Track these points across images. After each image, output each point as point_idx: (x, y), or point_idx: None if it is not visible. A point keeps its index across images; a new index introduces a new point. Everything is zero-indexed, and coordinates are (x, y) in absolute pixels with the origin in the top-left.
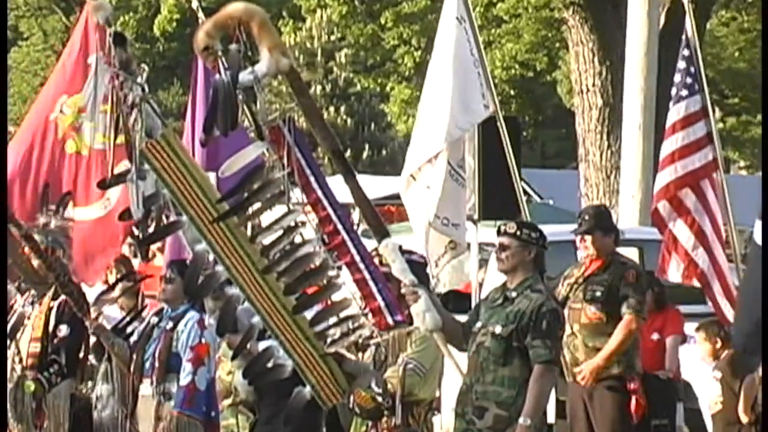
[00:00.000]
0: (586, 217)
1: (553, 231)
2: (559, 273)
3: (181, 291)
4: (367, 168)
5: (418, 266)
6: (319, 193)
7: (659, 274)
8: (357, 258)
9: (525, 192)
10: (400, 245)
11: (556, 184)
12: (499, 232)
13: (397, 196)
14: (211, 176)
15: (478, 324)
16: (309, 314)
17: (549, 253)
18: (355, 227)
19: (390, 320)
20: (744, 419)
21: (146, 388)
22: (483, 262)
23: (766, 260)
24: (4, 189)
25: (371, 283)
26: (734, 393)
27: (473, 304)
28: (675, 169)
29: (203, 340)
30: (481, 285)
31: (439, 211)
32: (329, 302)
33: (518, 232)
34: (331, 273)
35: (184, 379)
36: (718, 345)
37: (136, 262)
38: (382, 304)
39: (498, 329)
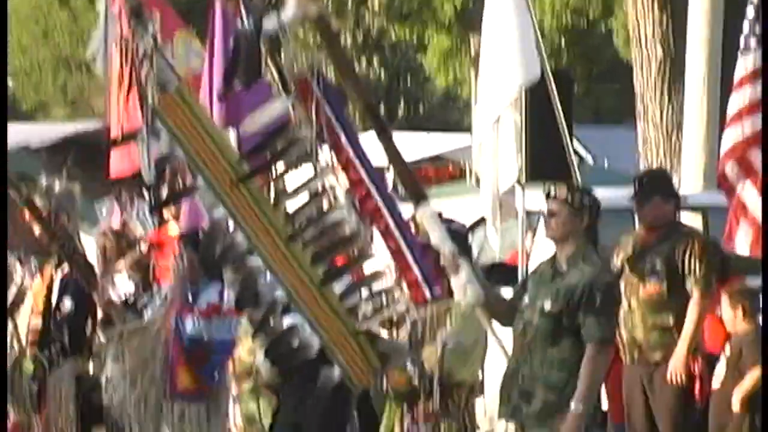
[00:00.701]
0: (645, 181)
1: (607, 196)
2: (614, 243)
3: (195, 265)
4: (403, 125)
5: (459, 236)
6: (351, 153)
7: (725, 244)
8: (392, 225)
9: (576, 152)
10: (439, 211)
11: (612, 144)
12: (548, 197)
13: (435, 157)
14: (231, 135)
15: (525, 300)
16: (338, 287)
17: (603, 221)
18: (390, 191)
19: (428, 294)
20: (736, 406)
21: None
22: (531, 231)
23: (766, 266)
24: (4, 188)
25: (407, 253)
26: (737, 375)
27: (520, 278)
28: (743, 127)
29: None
30: (528, 256)
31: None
32: (361, 274)
33: (569, 197)
34: (363, 242)
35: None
36: (740, 314)
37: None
38: (419, 276)
39: (547, 306)
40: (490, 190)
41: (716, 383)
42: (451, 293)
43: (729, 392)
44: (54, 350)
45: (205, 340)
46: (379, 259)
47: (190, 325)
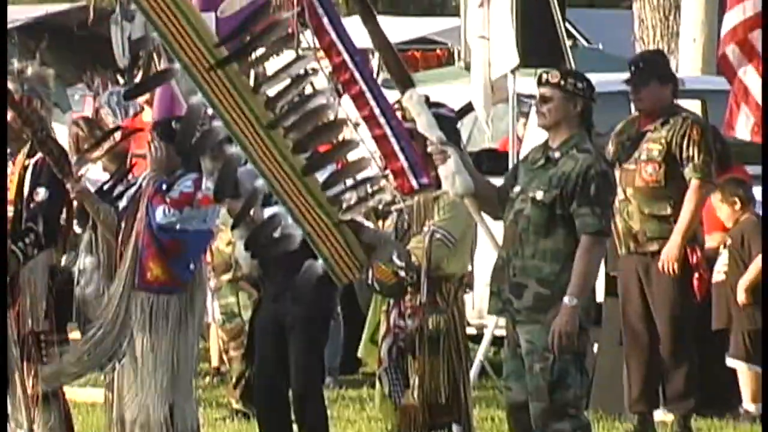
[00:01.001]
0: (641, 65)
1: (602, 80)
2: (610, 129)
3: (171, 154)
4: (388, 7)
5: (447, 121)
6: (333, 35)
7: (725, 131)
8: (377, 111)
9: (570, 35)
10: (426, 96)
11: (606, 26)
12: (539, 82)
13: (423, 40)
14: (209, 17)
15: (517, 188)
16: (321, 176)
17: (598, 107)
18: (374, 75)
19: (414, 183)
20: (741, 297)
21: None
22: (521, 116)
23: (766, 257)
24: (4, 188)
25: (393, 141)
26: (741, 266)
27: (510, 166)
28: (744, 8)
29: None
30: (520, 143)
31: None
32: (344, 162)
33: (562, 82)
34: (347, 128)
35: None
36: (737, 206)
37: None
38: (405, 164)
39: (539, 195)
40: (480, 75)
41: (719, 276)
42: (438, 182)
43: (733, 285)
44: (28, 241)
45: (178, 229)
46: (364, 147)
47: (160, 214)
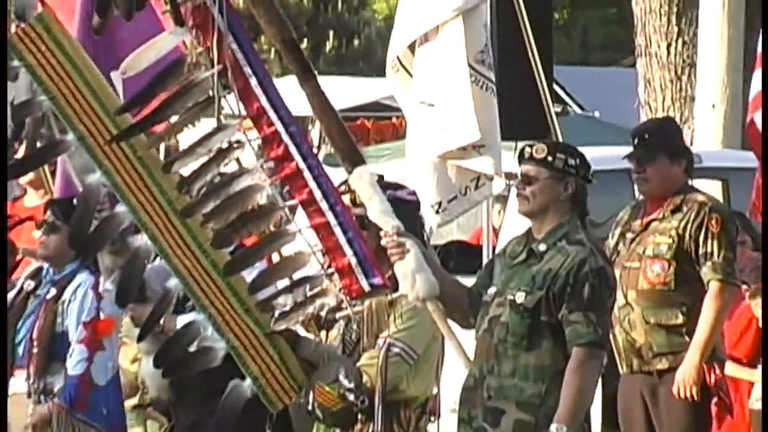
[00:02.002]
0: (647, 136)
1: (599, 155)
2: (609, 216)
3: (67, 243)
4: (332, 66)
5: (406, 207)
6: (263, 100)
7: (753, 217)
8: (318, 195)
9: (559, 99)
10: (380, 176)
11: (604, 88)
12: (521, 158)
13: (376, 105)
14: (113, 76)
15: (492, 290)
16: (248, 275)
17: (593, 188)
18: (315, 150)
19: (365, 284)
20: None
21: (19, 383)
22: (499, 201)
23: (766, 258)
24: (4, 188)
25: (338, 231)
26: None
27: (484, 261)
28: None
29: (101, 314)
30: (496, 233)
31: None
32: (278, 258)
33: (549, 158)
34: (281, 216)
35: (75, 368)
36: None
37: None
38: (353, 260)
39: (520, 297)
40: (427, 153)
41: (756, 404)
42: (396, 283)
43: None
44: None
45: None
46: (302, 240)
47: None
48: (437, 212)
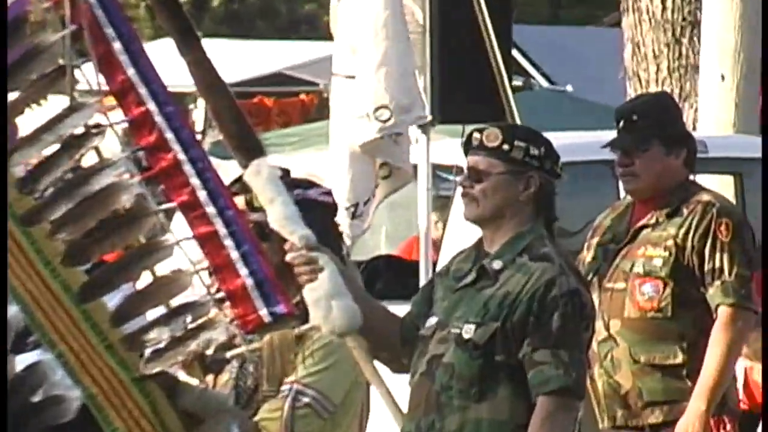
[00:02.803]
0: (635, 118)
1: (572, 143)
2: (585, 223)
3: None
4: (221, 25)
5: (320, 211)
6: (131, 72)
7: None
8: (202, 196)
9: (520, 69)
10: (284, 170)
11: (579, 55)
12: (467, 147)
13: (277, 78)
14: None
15: (432, 321)
16: (112, 302)
17: (565, 185)
18: (198, 137)
19: (264, 314)
20: None
21: None
22: (440, 204)
23: (766, 254)
24: (4, 188)
25: (229, 244)
26: None
27: (421, 283)
28: None
29: None
30: (437, 246)
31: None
32: (150, 280)
33: (505, 146)
34: (153, 224)
35: None
36: None
37: None
38: (249, 282)
39: (468, 331)
40: (345, 138)
41: None
42: (305, 312)
43: None
44: None
45: None
46: (182, 254)
47: None
48: (353, 217)
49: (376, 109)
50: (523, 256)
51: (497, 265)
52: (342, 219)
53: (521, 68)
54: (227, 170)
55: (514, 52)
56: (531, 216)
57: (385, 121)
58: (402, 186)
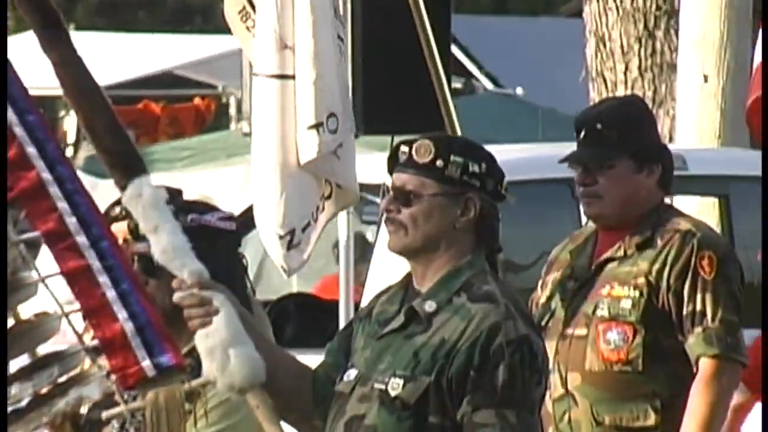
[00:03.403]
0: (599, 127)
1: (522, 157)
2: (538, 255)
3: None
4: (96, 16)
5: (218, 239)
6: None
7: (760, 256)
8: (71, 223)
9: (460, 69)
10: (174, 190)
11: (532, 51)
12: (393, 162)
13: (166, 79)
14: None
15: (352, 374)
16: None
17: (512, 210)
18: (68, 151)
19: (148, 365)
20: None
21: None
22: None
23: (766, 262)
24: (4, 189)
25: (104, 281)
26: None
27: (340, 326)
28: None
29: None
30: (360, 282)
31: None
32: (10, 324)
33: (439, 161)
34: (13, 257)
35: None
36: None
37: None
38: (129, 327)
39: (396, 387)
40: (277, 152)
41: None
42: (198, 363)
43: None
44: None
45: None
46: (46, 293)
47: None
48: (289, 248)
49: (329, 117)
50: (461, 296)
51: (430, 306)
52: (274, 250)
53: (461, 67)
54: (105, 191)
55: (454, 48)
56: (470, 246)
57: (334, 131)
58: (347, 207)
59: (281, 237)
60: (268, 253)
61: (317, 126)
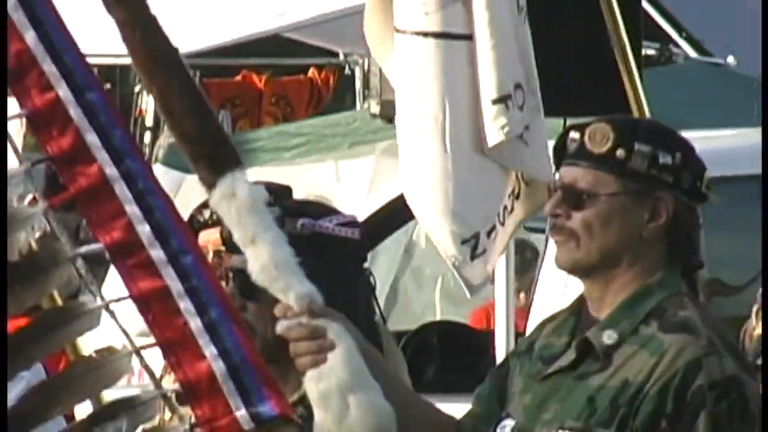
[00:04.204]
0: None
1: (730, 147)
2: (756, 273)
3: None
4: None
5: (338, 251)
6: (29, 37)
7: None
8: (145, 232)
9: (650, 37)
10: (278, 190)
11: (746, 13)
12: (561, 153)
13: (271, 44)
14: None
15: (508, 424)
16: (11, 394)
17: (718, 212)
18: (141, 142)
19: (242, 415)
20: None
21: None
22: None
23: (766, 259)
24: (4, 190)
25: (187, 308)
26: None
27: (496, 361)
28: None
29: None
30: (527, 307)
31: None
32: (67, 361)
33: (619, 151)
34: (68, 275)
35: None
36: None
37: None
38: (219, 367)
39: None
40: (446, 136)
41: None
42: (309, 411)
43: None
44: None
45: None
46: (115, 324)
47: None
48: (472, 257)
49: (516, 88)
50: (649, 325)
51: (609, 338)
52: (452, 259)
53: (656, 29)
54: (190, 190)
55: (646, 5)
56: (662, 261)
57: (521, 108)
58: (537, 210)
59: (463, 242)
60: (448, 264)
61: (504, 99)
